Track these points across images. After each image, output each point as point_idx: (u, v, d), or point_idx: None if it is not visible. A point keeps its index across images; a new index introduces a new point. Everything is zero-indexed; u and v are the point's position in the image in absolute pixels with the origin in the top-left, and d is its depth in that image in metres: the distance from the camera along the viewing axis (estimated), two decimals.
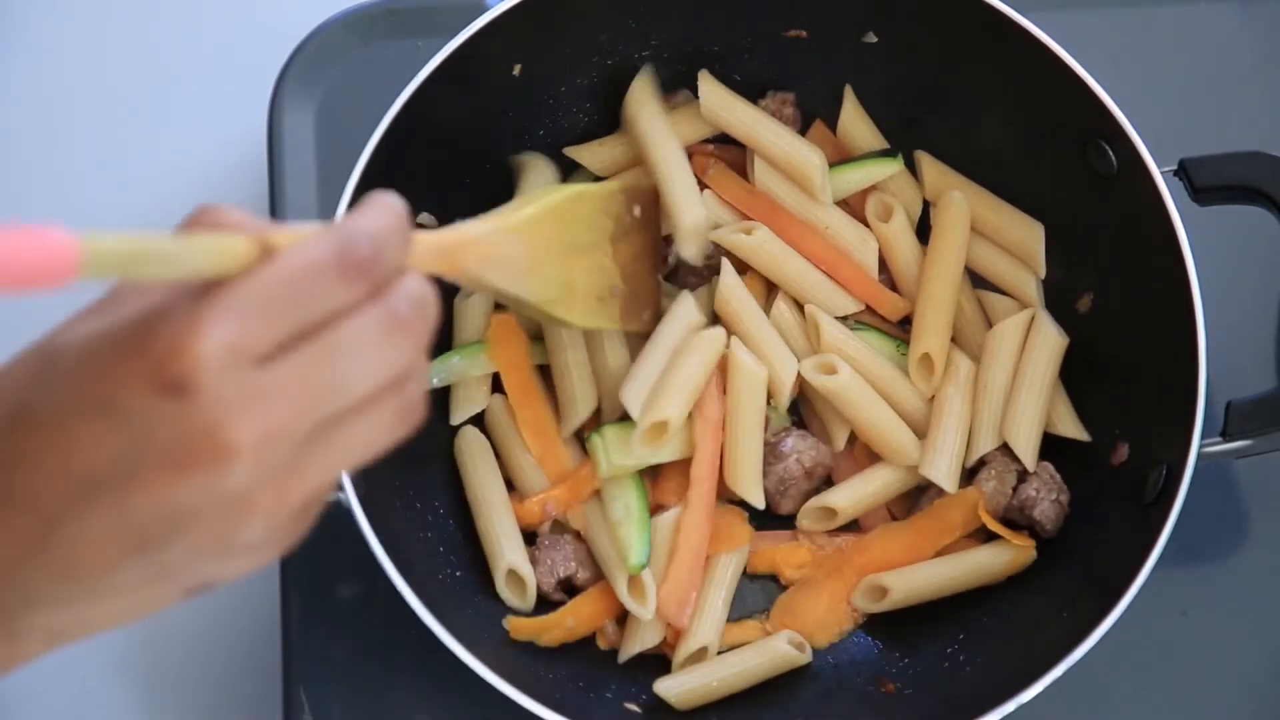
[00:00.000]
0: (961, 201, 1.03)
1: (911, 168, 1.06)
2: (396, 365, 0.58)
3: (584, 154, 1.05)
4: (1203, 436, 0.90)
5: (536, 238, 0.85)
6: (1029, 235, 1.03)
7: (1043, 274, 1.03)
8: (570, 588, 0.99)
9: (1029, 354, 1.00)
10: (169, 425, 0.53)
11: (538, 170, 1.03)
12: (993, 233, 1.04)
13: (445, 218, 1.01)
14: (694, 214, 0.99)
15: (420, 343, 0.59)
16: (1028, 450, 0.98)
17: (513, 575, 0.97)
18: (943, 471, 0.98)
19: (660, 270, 1.02)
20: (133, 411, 0.53)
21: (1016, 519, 1.00)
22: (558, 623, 0.97)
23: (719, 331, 0.99)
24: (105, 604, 0.57)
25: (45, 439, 0.54)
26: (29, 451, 0.55)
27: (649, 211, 0.99)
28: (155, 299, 0.55)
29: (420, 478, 0.99)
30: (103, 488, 0.54)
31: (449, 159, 1.00)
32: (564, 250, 0.90)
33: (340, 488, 0.87)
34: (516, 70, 1.00)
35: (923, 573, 0.98)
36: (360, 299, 0.56)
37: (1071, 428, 1.00)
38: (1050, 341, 1.00)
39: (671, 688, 0.95)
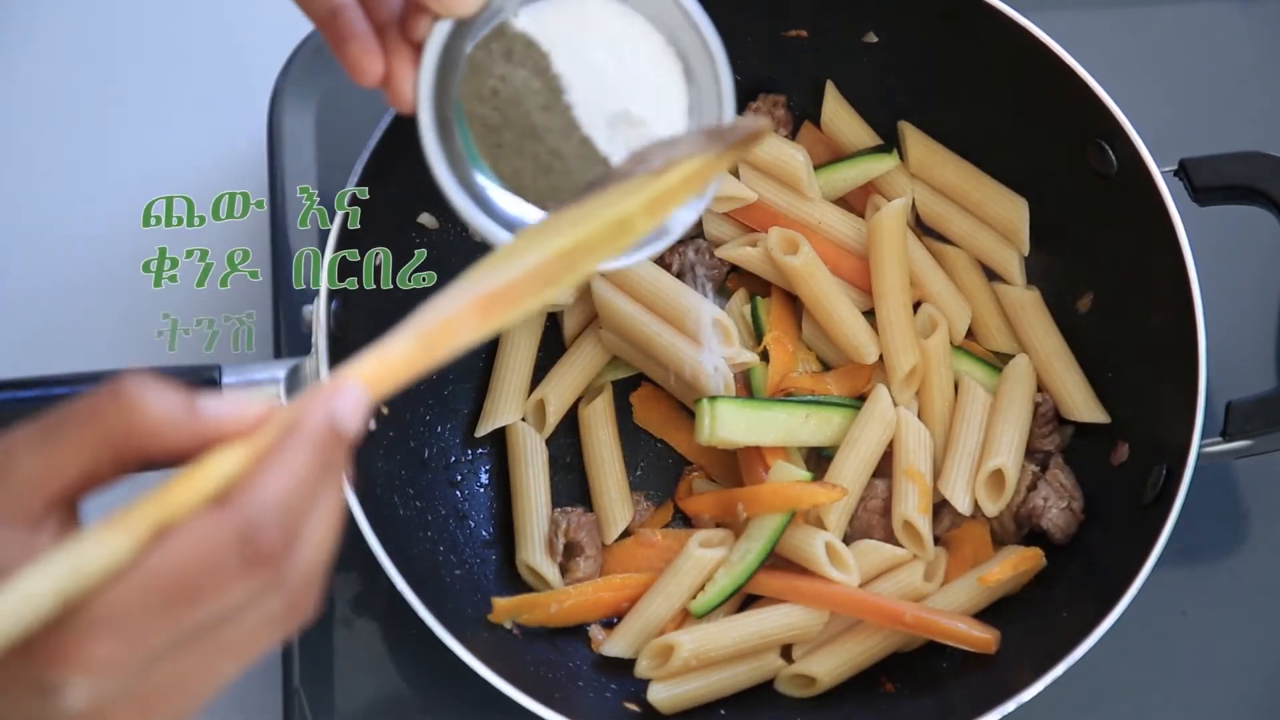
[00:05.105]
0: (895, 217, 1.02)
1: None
2: (282, 637, 0.53)
3: None
4: (1203, 436, 0.90)
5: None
6: (1013, 210, 1.03)
7: (1026, 251, 1.03)
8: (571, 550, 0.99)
9: (1001, 385, 1.01)
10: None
11: None
12: (975, 207, 1.04)
13: (446, 217, 1.01)
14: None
15: (311, 603, 0.53)
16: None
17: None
18: (959, 491, 0.98)
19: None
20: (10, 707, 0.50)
21: (1026, 525, 1.00)
22: (540, 603, 0.96)
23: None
24: None
25: None
26: None
27: None
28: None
29: (420, 478, 0.99)
30: None
31: None
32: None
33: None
34: None
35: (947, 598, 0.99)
36: (260, 592, 0.50)
37: (1088, 412, 1.00)
38: (1020, 372, 1.01)
39: (660, 693, 0.94)
